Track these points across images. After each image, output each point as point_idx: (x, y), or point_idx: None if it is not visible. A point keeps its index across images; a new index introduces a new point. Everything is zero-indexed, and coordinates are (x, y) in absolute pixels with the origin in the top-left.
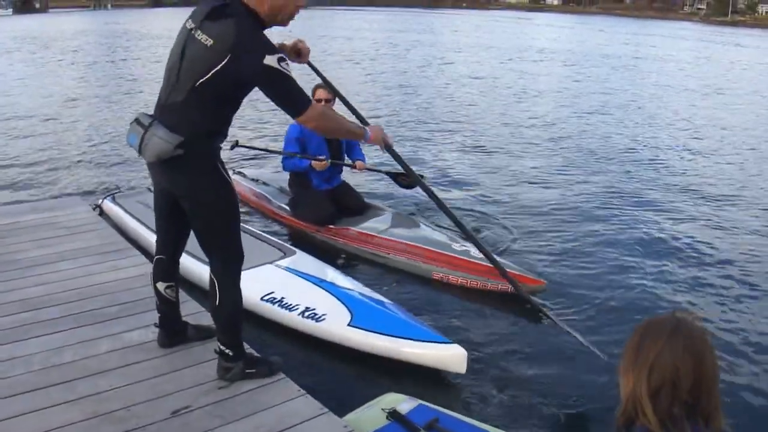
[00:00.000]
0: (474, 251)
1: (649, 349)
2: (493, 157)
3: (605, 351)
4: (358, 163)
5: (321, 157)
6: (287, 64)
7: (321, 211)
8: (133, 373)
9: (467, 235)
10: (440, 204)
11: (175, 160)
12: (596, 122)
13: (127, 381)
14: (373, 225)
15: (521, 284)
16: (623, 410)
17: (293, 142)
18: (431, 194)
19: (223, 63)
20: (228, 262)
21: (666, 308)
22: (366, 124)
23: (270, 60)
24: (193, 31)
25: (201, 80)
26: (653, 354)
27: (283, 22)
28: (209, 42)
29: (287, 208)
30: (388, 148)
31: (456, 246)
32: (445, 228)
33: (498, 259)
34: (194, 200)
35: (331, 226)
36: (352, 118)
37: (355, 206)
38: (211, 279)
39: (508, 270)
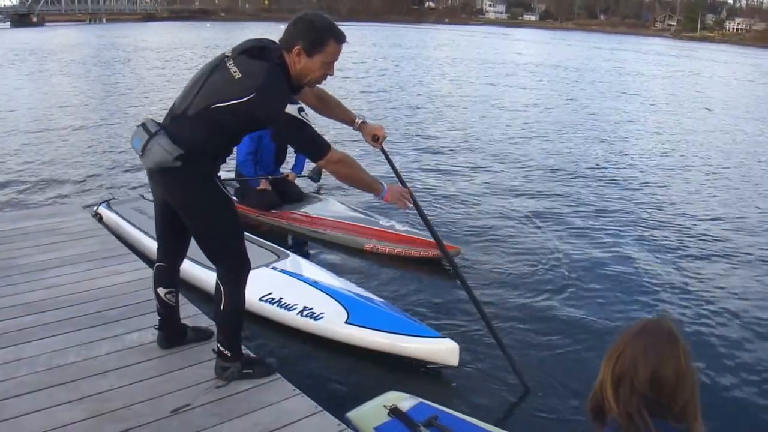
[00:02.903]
0: (399, 225)
1: (618, 344)
2: (465, 166)
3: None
4: (291, 174)
5: (263, 181)
6: (306, 113)
7: (265, 197)
8: (133, 374)
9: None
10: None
11: (173, 171)
12: (569, 135)
13: (128, 381)
14: (311, 208)
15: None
16: (592, 395)
17: (254, 137)
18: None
19: (244, 99)
20: (233, 271)
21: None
22: (404, 185)
23: (291, 109)
24: (226, 60)
25: (217, 105)
26: (620, 348)
27: (310, 85)
28: (237, 75)
29: (234, 197)
30: (416, 207)
31: (383, 222)
32: (371, 210)
33: (410, 229)
34: (191, 214)
35: (274, 211)
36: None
37: (294, 195)
38: (217, 284)
39: (425, 239)
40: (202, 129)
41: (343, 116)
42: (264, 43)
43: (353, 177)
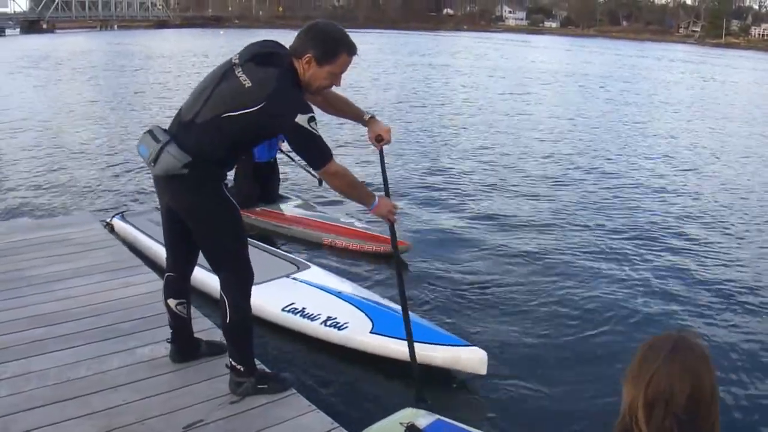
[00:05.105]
0: (357, 223)
1: (649, 364)
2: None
3: None
4: (282, 143)
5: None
6: (316, 123)
7: (246, 195)
8: (146, 388)
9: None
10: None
11: (179, 177)
12: (587, 144)
13: (140, 395)
14: (280, 206)
15: (390, 245)
16: (620, 420)
17: None
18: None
19: (255, 108)
20: (236, 280)
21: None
22: (388, 194)
23: (301, 119)
24: (235, 67)
25: (228, 114)
26: (652, 369)
27: (316, 92)
28: (247, 83)
29: None
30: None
31: (343, 219)
32: (336, 209)
33: (367, 226)
34: (195, 219)
35: (248, 209)
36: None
37: (271, 193)
38: (220, 296)
39: (377, 234)
40: (211, 137)
41: (351, 113)
42: (271, 48)
43: (345, 191)
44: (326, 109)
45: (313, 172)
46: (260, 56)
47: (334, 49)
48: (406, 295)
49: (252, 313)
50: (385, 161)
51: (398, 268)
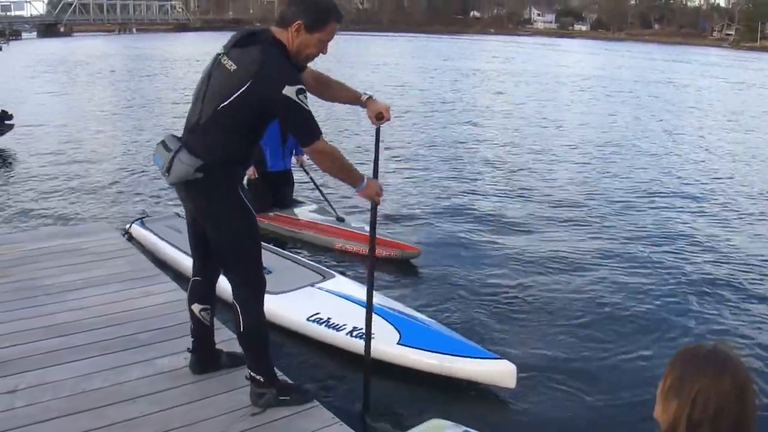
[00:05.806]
0: (367, 227)
1: (694, 382)
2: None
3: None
4: (300, 158)
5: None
6: (305, 96)
7: (259, 200)
8: (165, 400)
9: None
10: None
11: (195, 182)
12: (616, 154)
13: (159, 407)
14: (294, 211)
15: (399, 250)
16: None
17: None
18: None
19: (244, 88)
20: (248, 288)
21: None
22: (376, 175)
23: (288, 91)
24: (220, 57)
25: (223, 104)
26: (697, 387)
27: (305, 61)
28: (233, 67)
29: None
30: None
31: (354, 224)
32: (347, 213)
33: (383, 233)
34: (212, 223)
35: (262, 213)
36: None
37: (284, 199)
38: (233, 305)
39: (387, 239)
40: (216, 134)
41: (348, 96)
42: (253, 30)
43: (333, 171)
44: (323, 95)
45: (336, 212)
46: (242, 39)
47: (325, 18)
48: (374, 291)
49: (267, 320)
50: (382, 142)
51: (370, 261)
